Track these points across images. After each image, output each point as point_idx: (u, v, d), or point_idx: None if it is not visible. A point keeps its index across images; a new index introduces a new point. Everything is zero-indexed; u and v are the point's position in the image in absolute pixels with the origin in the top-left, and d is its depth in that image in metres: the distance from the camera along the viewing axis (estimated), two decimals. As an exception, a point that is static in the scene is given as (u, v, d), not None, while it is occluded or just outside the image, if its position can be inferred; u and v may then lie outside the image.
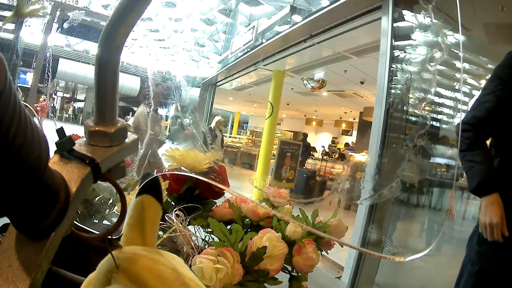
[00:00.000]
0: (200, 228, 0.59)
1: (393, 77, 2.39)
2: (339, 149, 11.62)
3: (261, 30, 5.75)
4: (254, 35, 5.84)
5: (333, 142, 12.31)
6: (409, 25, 2.45)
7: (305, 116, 14.80)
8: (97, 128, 0.29)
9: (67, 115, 17.84)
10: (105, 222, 0.72)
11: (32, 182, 0.22)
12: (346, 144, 11.70)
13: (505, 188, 1.10)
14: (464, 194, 2.93)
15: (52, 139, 0.27)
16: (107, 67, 0.27)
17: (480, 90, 1.19)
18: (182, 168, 0.63)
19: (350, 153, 9.21)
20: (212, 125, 5.48)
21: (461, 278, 1.20)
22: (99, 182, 0.31)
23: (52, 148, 0.26)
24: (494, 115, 1.13)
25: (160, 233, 0.50)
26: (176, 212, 0.54)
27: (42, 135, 0.23)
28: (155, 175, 0.32)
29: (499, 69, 1.16)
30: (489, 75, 1.19)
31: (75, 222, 0.53)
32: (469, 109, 1.20)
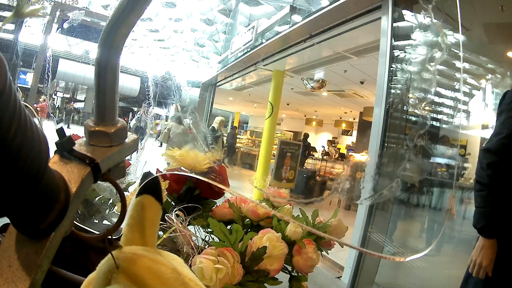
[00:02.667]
0: (200, 228, 0.59)
1: (393, 77, 2.38)
2: (338, 148, 11.63)
3: (261, 30, 5.73)
4: (254, 35, 5.82)
5: (332, 142, 12.34)
6: (409, 25, 2.45)
7: (305, 116, 14.78)
8: (97, 128, 0.29)
9: (68, 116, 17.78)
10: (105, 222, 0.72)
11: (32, 182, 0.22)
12: (330, 141, 11.70)
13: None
14: (464, 194, 2.93)
15: (52, 139, 0.27)
16: (107, 68, 0.27)
17: (502, 112, 1.14)
18: (182, 168, 0.63)
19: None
20: (214, 124, 5.48)
21: (468, 278, 1.20)
22: (99, 182, 0.31)
23: (52, 148, 0.26)
24: None
25: (160, 233, 0.50)
26: (176, 212, 0.54)
27: (42, 135, 0.23)
28: (155, 175, 0.32)
29: None
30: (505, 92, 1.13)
31: (75, 222, 0.53)
32: (493, 133, 1.16)
